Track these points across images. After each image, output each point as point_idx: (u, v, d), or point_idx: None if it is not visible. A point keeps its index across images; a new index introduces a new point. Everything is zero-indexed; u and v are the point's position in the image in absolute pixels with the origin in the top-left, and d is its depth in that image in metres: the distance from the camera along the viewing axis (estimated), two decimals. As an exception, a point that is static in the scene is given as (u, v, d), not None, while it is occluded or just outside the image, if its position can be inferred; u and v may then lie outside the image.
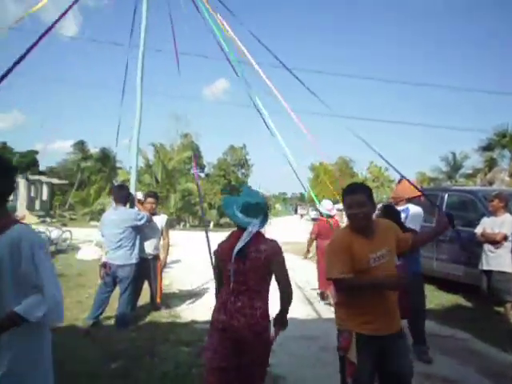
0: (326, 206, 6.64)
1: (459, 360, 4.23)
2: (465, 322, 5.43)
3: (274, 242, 2.55)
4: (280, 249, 2.55)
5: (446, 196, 7.37)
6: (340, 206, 7.47)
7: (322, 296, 6.65)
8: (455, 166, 31.34)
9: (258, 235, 2.51)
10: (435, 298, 6.63)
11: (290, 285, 2.53)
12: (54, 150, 71.15)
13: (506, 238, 5.59)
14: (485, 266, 5.77)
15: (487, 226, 5.85)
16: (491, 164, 25.49)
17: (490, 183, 23.33)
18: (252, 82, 6.74)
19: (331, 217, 6.58)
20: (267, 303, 2.57)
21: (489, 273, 5.74)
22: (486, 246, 5.77)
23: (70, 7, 4.90)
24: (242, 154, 35.98)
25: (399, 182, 4.93)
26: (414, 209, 4.50)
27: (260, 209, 2.56)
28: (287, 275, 2.53)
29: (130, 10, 6.91)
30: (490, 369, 4.08)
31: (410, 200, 4.58)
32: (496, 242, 5.63)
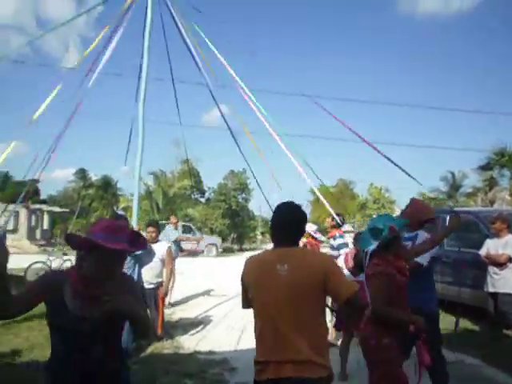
0: (312, 228, 6.64)
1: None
2: (473, 347, 5.32)
3: None
4: None
5: (448, 218, 7.35)
6: (348, 226, 7.43)
7: None
8: (455, 186, 31.42)
9: None
10: (441, 322, 6.50)
11: None
12: (54, 179, 71.48)
13: (510, 259, 5.56)
14: (490, 288, 5.71)
15: (491, 247, 5.82)
16: (491, 183, 25.53)
17: (491, 202, 23.34)
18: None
19: (315, 239, 6.57)
20: None
21: (495, 295, 5.67)
22: (491, 268, 5.72)
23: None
24: (242, 178, 36.06)
25: (411, 203, 3.75)
26: (425, 237, 3.49)
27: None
28: None
29: (132, 41, 7.13)
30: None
31: (422, 224, 3.59)
32: (501, 264, 5.59)
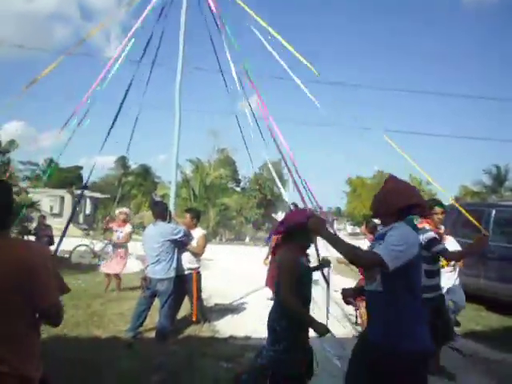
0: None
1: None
2: (507, 343, 5.13)
3: None
4: None
5: (494, 212, 7.05)
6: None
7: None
8: (499, 180, 30.01)
9: None
10: (483, 320, 6.30)
11: None
12: (96, 166, 74.13)
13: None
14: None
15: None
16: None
17: (540, 198, 22.13)
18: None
19: None
20: None
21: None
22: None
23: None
24: (279, 168, 36.02)
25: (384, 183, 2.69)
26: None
27: None
28: None
29: (168, 31, 7.20)
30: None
31: (402, 213, 2.69)
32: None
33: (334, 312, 7.16)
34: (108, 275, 7.97)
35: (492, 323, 6.25)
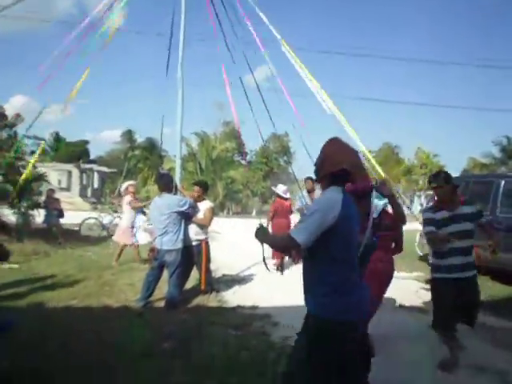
0: (281, 189, 8.11)
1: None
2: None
3: None
4: None
5: (503, 183, 6.98)
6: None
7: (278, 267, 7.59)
8: (509, 152, 29.55)
9: None
10: (489, 289, 6.34)
11: None
12: (102, 139, 74.10)
13: None
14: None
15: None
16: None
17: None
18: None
19: (286, 199, 8.04)
20: None
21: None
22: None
23: None
24: (285, 141, 35.76)
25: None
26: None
27: None
28: None
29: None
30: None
31: (337, 179, 2.53)
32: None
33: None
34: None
35: (498, 293, 6.30)
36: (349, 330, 2.13)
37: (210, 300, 5.66)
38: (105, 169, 33.14)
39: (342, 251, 2.19)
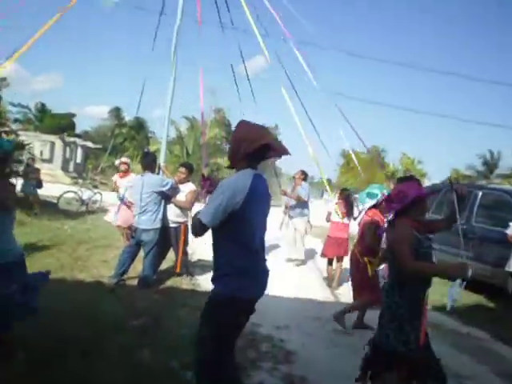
0: None
1: (474, 358, 4.18)
2: (485, 322, 5.34)
3: None
4: None
5: (480, 194, 7.16)
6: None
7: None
8: (492, 166, 30.20)
9: None
10: (458, 296, 6.51)
11: None
12: (89, 115, 72.83)
13: (537, 241, 5.43)
14: (512, 267, 5.64)
15: (520, 227, 5.69)
16: (531, 166, 24.44)
17: (528, 186, 22.42)
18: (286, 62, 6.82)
19: None
20: None
21: (516, 275, 5.61)
22: (516, 248, 5.63)
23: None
24: (275, 134, 35.74)
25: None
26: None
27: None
28: None
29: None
30: (505, 369, 4.03)
31: (252, 159, 2.47)
32: (527, 245, 5.48)
33: (314, 275, 7.38)
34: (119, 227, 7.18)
35: (465, 300, 6.47)
36: (244, 305, 2.30)
37: (184, 283, 5.67)
38: (89, 144, 32.54)
39: (246, 234, 2.28)
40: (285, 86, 7.23)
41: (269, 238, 10.89)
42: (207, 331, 2.28)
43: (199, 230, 2.28)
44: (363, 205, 4.59)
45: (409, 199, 2.50)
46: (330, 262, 6.66)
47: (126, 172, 7.43)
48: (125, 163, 7.52)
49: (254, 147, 2.24)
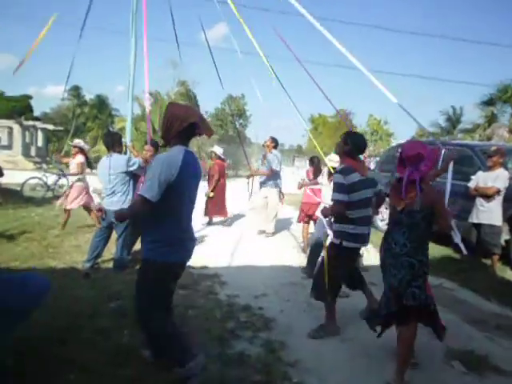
0: (219, 150, 9.01)
1: (445, 307, 4.37)
2: (453, 273, 5.61)
3: None
4: None
5: (443, 150, 7.34)
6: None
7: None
8: (454, 121, 30.92)
9: None
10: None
11: None
12: (48, 95, 69.55)
13: (498, 192, 5.66)
14: (475, 219, 5.89)
15: (481, 180, 5.91)
16: (491, 119, 25.21)
17: (489, 139, 23.20)
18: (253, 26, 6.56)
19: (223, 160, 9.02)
20: None
21: (478, 226, 5.86)
22: (478, 200, 5.86)
23: None
24: (241, 104, 35.29)
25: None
26: None
27: None
28: None
29: None
30: (474, 316, 4.27)
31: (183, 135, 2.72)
32: (488, 196, 5.71)
33: (289, 242, 7.51)
34: (66, 210, 7.41)
35: (433, 253, 6.73)
36: (171, 269, 2.62)
37: (160, 261, 5.65)
38: (50, 126, 31.19)
39: (178, 206, 2.55)
40: (244, 53, 7.05)
41: (241, 209, 10.98)
42: (141, 290, 2.66)
43: (143, 207, 2.47)
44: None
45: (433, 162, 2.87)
46: (304, 228, 6.79)
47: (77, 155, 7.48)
48: (75, 146, 7.59)
49: (184, 126, 2.52)
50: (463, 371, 3.17)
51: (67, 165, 7.93)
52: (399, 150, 3.01)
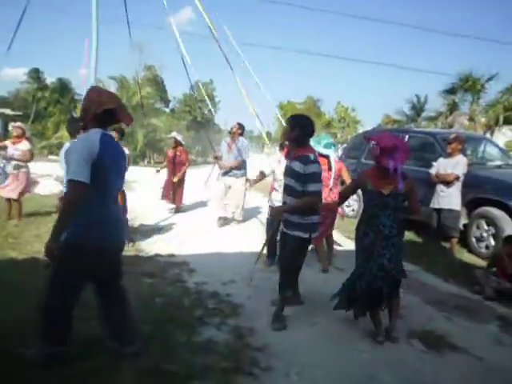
0: (180, 136, 8.97)
1: (407, 290, 4.55)
2: (414, 256, 5.81)
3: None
4: None
5: (407, 137, 7.55)
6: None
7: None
8: (419, 109, 31.71)
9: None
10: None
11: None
12: (5, 79, 66.15)
13: (457, 178, 5.89)
14: (436, 204, 6.11)
15: (441, 166, 6.11)
16: (453, 108, 26.03)
17: (450, 126, 24.00)
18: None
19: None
20: None
21: (439, 211, 6.09)
22: (439, 186, 6.07)
23: None
24: (209, 89, 34.83)
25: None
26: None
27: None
28: None
29: None
30: (434, 297, 4.47)
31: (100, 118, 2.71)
32: (448, 182, 5.92)
33: (258, 229, 7.55)
34: (8, 200, 6.92)
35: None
36: (91, 253, 2.54)
37: (127, 250, 5.54)
38: (8, 111, 29.77)
39: (101, 187, 2.50)
40: (213, 39, 6.95)
41: (207, 196, 10.84)
42: (55, 273, 2.60)
43: (80, 191, 2.37)
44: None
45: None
46: None
47: (21, 138, 6.93)
48: (19, 127, 7.07)
49: (101, 110, 2.52)
50: (423, 350, 3.32)
51: (4, 148, 7.12)
52: (373, 143, 3.26)
